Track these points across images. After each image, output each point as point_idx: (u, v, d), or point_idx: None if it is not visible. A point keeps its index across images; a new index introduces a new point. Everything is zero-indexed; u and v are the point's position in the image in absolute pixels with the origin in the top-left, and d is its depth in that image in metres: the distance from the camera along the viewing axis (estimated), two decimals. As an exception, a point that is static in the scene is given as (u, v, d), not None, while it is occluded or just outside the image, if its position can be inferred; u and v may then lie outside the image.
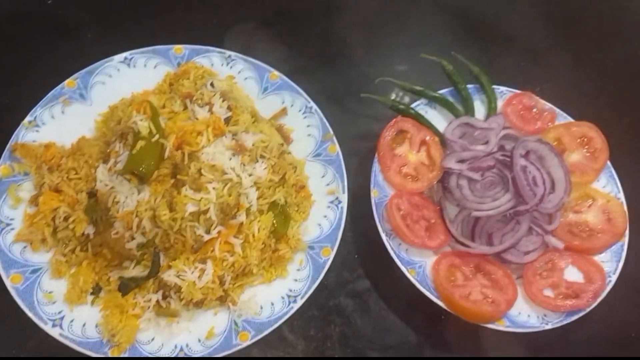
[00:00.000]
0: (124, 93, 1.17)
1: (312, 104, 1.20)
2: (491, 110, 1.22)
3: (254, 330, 0.98)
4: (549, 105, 1.25)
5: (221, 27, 1.39)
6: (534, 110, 1.24)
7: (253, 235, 1.01)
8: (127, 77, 1.19)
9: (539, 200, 1.06)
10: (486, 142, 1.17)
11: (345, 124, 1.25)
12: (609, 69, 1.48)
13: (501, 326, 1.00)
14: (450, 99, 1.22)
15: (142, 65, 1.21)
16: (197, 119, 1.04)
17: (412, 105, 1.20)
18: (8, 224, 1.02)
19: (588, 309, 1.02)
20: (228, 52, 1.23)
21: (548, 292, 1.05)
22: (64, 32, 1.35)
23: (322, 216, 1.10)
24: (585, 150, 1.20)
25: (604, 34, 1.55)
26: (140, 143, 0.97)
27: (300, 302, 1.01)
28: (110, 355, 0.94)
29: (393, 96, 1.34)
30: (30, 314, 0.95)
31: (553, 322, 1.02)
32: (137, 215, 0.95)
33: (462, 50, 1.27)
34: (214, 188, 0.96)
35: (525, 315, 1.03)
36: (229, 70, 1.23)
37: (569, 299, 1.03)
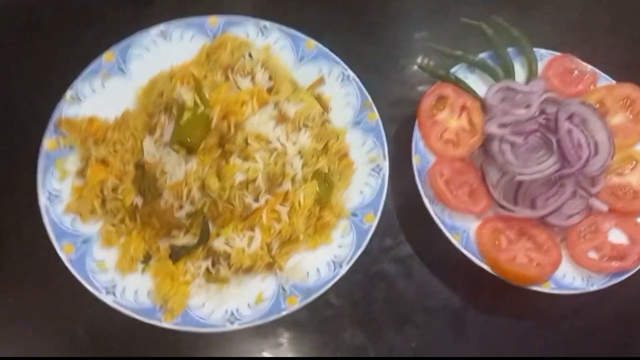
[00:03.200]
0: (162, 66, 1.16)
1: (350, 72, 1.19)
2: (532, 74, 1.20)
3: (302, 295, 1.00)
4: (590, 67, 1.23)
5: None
6: (575, 72, 1.22)
7: (299, 203, 1.01)
8: (164, 50, 1.18)
9: (584, 163, 1.05)
10: (527, 106, 1.16)
11: (382, 90, 1.23)
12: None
13: (546, 288, 1.01)
14: (491, 63, 1.20)
15: (178, 37, 1.20)
16: (239, 89, 1.04)
17: (452, 71, 1.19)
18: (57, 196, 1.04)
19: (634, 271, 1.02)
20: (263, 22, 1.22)
21: (592, 255, 1.06)
22: (97, 8, 1.34)
23: (364, 183, 1.10)
24: (628, 112, 1.18)
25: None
26: (187, 114, 0.97)
27: (345, 268, 1.02)
28: (164, 320, 0.96)
29: (426, 61, 1.31)
30: (84, 283, 0.98)
31: (598, 283, 1.02)
32: (186, 185, 0.96)
33: (498, 13, 1.24)
34: (261, 157, 0.97)
35: (570, 278, 1.03)
36: (265, 40, 1.21)
37: (614, 260, 1.03)
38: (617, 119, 1.17)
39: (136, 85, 1.16)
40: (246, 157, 0.97)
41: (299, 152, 1.03)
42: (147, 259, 1.02)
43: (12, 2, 1.32)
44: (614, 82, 1.21)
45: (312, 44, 1.21)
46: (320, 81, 1.20)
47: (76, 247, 1.01)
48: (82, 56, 1.16)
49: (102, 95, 1.14)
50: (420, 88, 1.20)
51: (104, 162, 1.05)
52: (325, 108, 1.17)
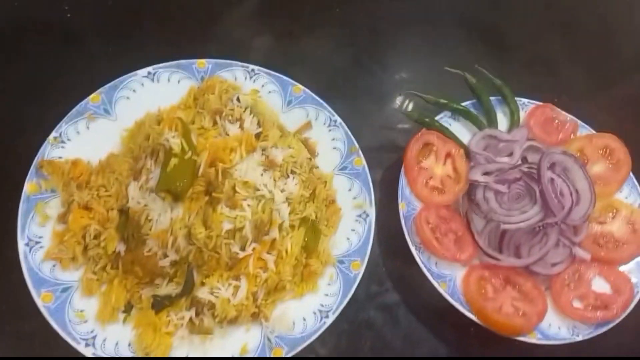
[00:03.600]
0: (148, 108, 1.16)
1: (337, 117, 1.20)
2: (514, 122, 1.23)
3: (287, 347, 0.98)
4: (570, 116, 1.26)
5: (241, 40, 1.39)
6: (556, 121, 1.25)
7: (286, 251, 1.01)
8: (151, 92, 1.18)
9: (567, 212, 1.07)
10: (510, 154, 1.18)
11: (366, 135, 1.24)
12: (625, 78, 1.50)
13: (533, 339, 1.01)
14: (474, 111, 1.23)
15: (166, 79, 1.20)
16: (227, 135, 1.04)
17: (437, 118, 1.21)
18: (37, 242, 1.01)
19: (618, 320, 1.03)
20: (251, 66, 1.23)
21: (577, 304, 1.06)
22: (83, 45, 1.34)
23: (351, 230, 1.10)
24: (607, 161, 1.21)
25: (617, 42, 1.57)
26: (174, 161, 0.96)
27: (332, 317, 1.01)
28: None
29: (409, 107, 1.34)
30: (62, 334, 0.94)
31: (583, 333, 1.03)
32: (171, 234, 0.95)
33: (479, 62, 1.28)
34: (248, 205, 0.96)
35: (555, 327, 1.03)
36: (253, 84, 1.23)
37: (599, 310, 1.04)
38: (596, 167, 1.20)
39: (122, 128, 1.15)
40: (234, 205, 0.96)
41: (287, 199, 1.02)
42: (128, 309, 0.99)
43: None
44: (593, 131, 1.25)
45: (299, 88, 1.22)
46: (308, 126, 1.21)
47: (55, 296, 0.97)
48: (68, 96, 1.15)
49: (87, 138, 1.12)
50: (405, 134, 1.21)
51: (86, 207, 1.03)
52: (312, 153, 1.17)
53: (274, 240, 1.00)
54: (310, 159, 1.13)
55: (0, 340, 1.01)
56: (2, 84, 1.26)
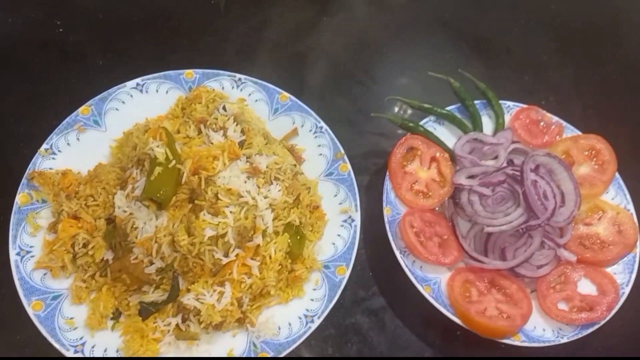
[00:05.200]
0: (137, 118, 1.19)
1: (322, 123, 1.22)
2: (499, 125, 1.24)
3: (273, 351, 0.99)
4: (555, 118, 1.27)
5: (229, 50, 1.42)
6: (541, 124, 1.26)
7: (270, 257, 1.02)
8: (140, 103, 1.21)
9: (550, 214, 1.07)
10: (495, 157, 1.19)
11: (354, 141, 1.27)
12: (611, 80, 1.50)
13: (517, 341, 1.01)
14: (459, 115, 1.24)
15: (154, 90, 1.23)
16: (211, 143, 1.06)
17: (421, 123, 1.22)
18: (28, 252, 1.04)
19: (603, 322, 1.03)
20: (238, 75, 1.26)
21: (562, 306, 1.06)
22: (75, 59, 1.37)
23: (336, 235, 1.12)
24: (593, 162, 1.21)
25: (604, 44, 1.57)
26: (158, 169, 0.98)
27: (317, 322, 1.02)
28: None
29: (400, 113, 1.36)
30: (52, 341, 0.96)
31: (568, 335, 1.03)
32: (156, 241, 0.97)
33: (467, 67, 1.29)
34: (231, 212, 0.98)
35: (540, 330, 1.04)
36: (240, 93, 1.25)
37: (584, 312, 1.04)
38: (582, 169, 1.20)
39: (111, 138, 1.18)
40: (216, 212, 0.98)
41: (270, 205, 1.04)
42: (117, 316, 1.01)
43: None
44: (579, 132, 1.25)
45: (286, 96, 1.24)
46: (294, 133, 1.22)
47: (45, 304, 1.00)
48: (60, 109, 1.18)
49: (77, 149, 1.15)
50: (391, 139, 1.22)
51: (75, 216, 1.05)
52: (298, 160, 1.19)
53: (257, 246, 1.01)
54: (295, 165, 1.15)
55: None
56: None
